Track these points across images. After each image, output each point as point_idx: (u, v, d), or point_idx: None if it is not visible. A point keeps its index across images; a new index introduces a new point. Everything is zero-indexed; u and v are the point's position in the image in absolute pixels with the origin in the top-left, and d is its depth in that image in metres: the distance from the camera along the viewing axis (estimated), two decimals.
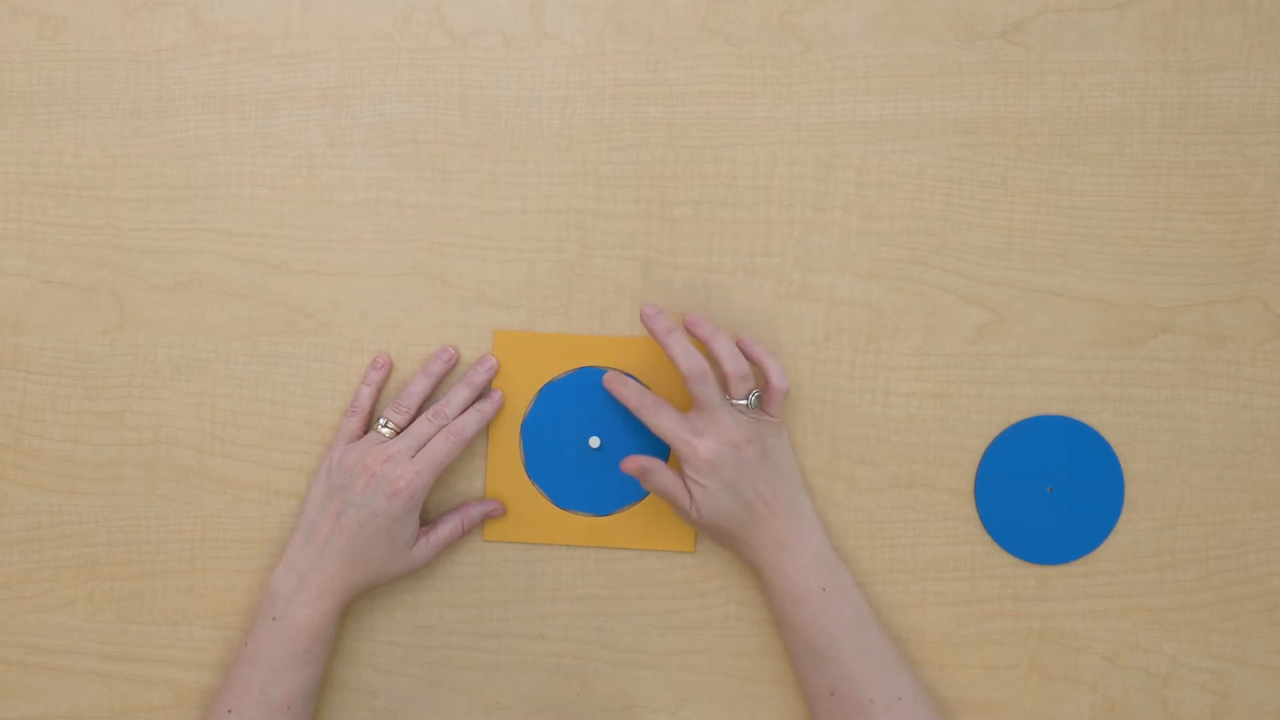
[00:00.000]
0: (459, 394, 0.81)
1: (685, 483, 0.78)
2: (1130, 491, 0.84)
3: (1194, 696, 0.84)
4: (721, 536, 0.79)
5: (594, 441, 0.83)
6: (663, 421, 0.78)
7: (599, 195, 0.83)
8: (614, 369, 0.82)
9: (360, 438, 0.81)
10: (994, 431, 0.84)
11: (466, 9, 0.83)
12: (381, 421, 0.80)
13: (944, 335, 0.84)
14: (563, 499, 0.84)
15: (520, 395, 0.83)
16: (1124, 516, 0.84)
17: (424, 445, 0.79)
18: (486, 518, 0.83)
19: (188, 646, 0.84)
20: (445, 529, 0.81)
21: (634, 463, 0.78)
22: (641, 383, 0.82)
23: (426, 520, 0.83)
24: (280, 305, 0.84)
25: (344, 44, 0.83)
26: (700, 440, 0.77)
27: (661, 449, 0.83)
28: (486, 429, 0.83)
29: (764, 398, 0.79)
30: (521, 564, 0.84)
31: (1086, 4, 0.83)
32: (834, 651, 0.76)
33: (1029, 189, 0.83)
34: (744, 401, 0.78)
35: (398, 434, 0.80)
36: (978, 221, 0.84)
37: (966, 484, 0.84)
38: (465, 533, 0.82)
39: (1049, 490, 0.84)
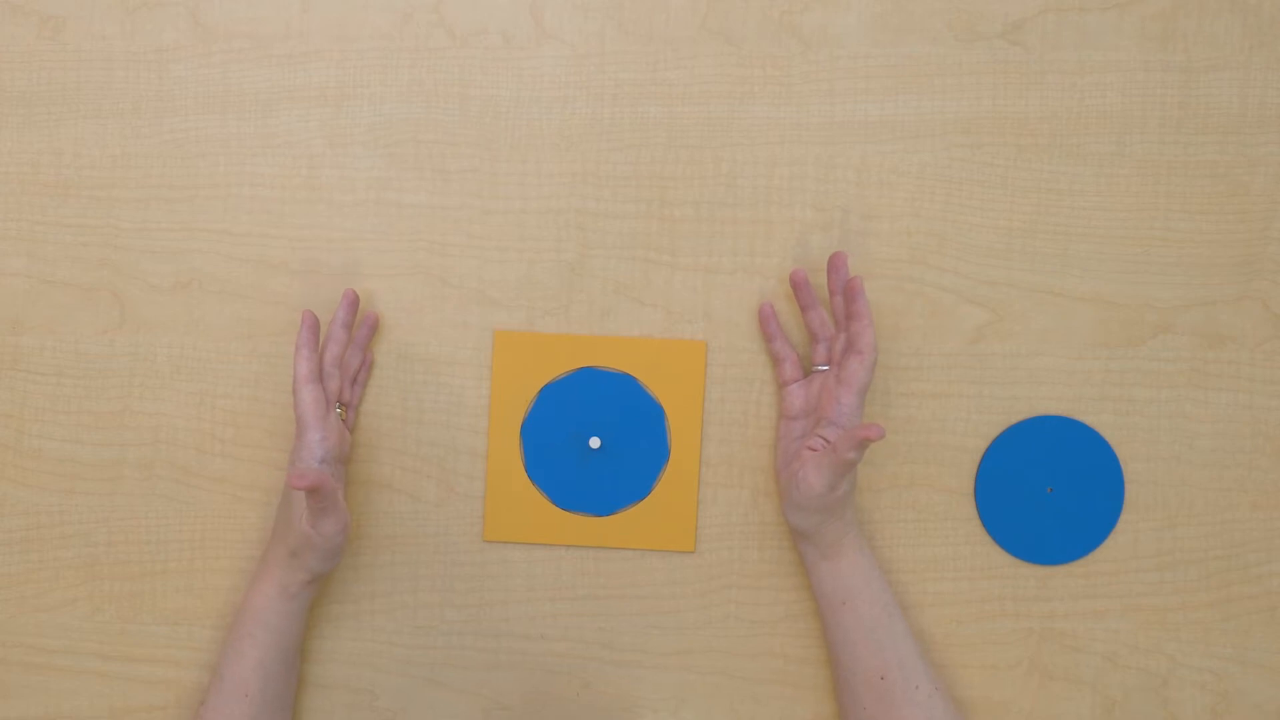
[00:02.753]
0: (332, 348, 0.80)
1: (827, 459, 0.76)
2: (1130, 491, 0.84)
3: (1194, 696, 0.84)
4: (824, 511, 0.78)
5: (594, 442, 0.83)
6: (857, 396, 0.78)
7: (599, 195, 0.83)
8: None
9: (318, 381, 0.78)
10: (994, 431, 0.84)
11: (466, 9, 0.83)
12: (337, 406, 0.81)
13: (944, 335, 0.84)
14: (563, 499, 0.84)
15: (520, 395, 0.83)
16: (1124, 516, 0.84)
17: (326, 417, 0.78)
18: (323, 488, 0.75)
19: (188, 646, 0.84)
20: (337, 494, 0.76)
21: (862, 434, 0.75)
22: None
23: (425, 517, 0.83)
24: (280, 305, 0.84)
25: (344, 44, 0.83)
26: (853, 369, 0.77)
27: (659, 451, 0.83)
28: (486, 427, 0.83)
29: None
30: (521, 564, 0.84)
31: (1086, 4, 0.83)
32: (890, 631, 0.77)
33: (1029, 189, 0.84)
34: (822, 367, 0.80)
35: (342, 407, 0.81)
36: (978, 221, 0.84)
37: (966, 484, 0.84)
38: (336, 487, 0.75)
39: (1049, 490, 0.84)
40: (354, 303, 0.81)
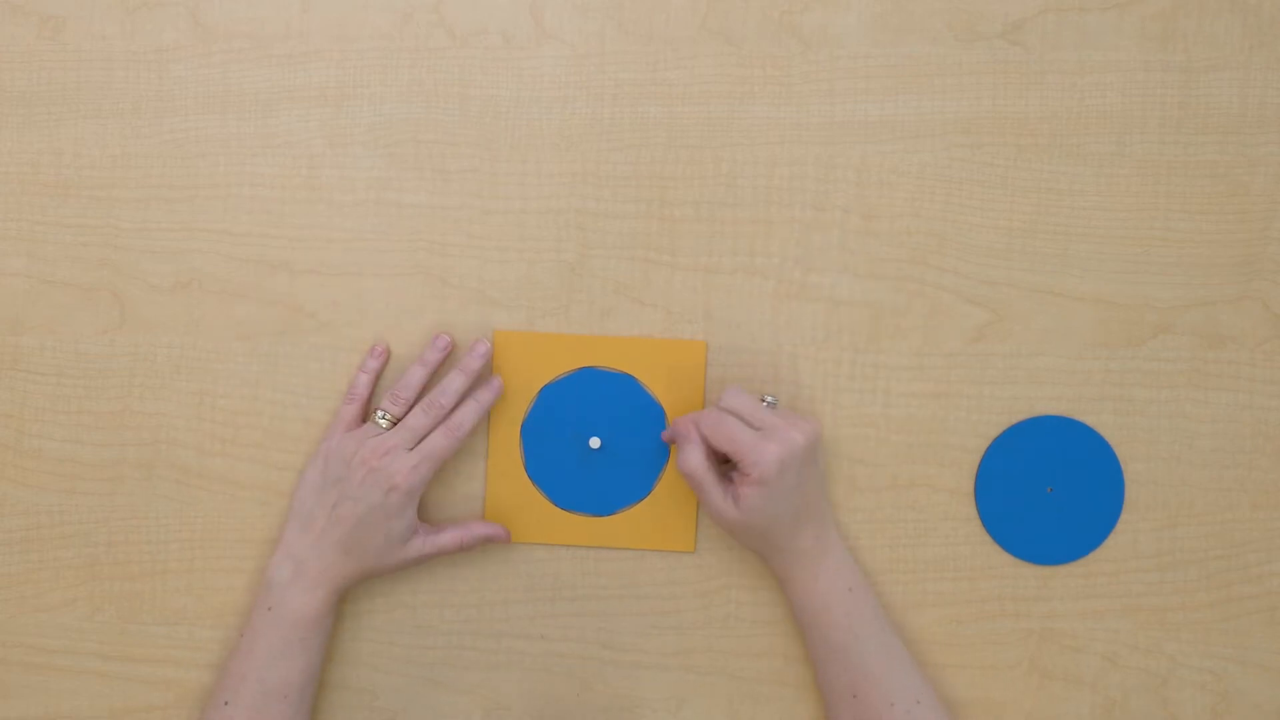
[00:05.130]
0: (454, 382, 0.81)
1: (741, 492, 0.76)
2: (1130, 491, 0.84)
3: (1194, 696, 0.84)
4: (751, 536, 0.79)
5: (594, 442, 0.83)
6: (733, 429, 0.76)
7: (599, 195, 0.83)
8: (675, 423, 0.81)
9: (357, 426, 0.81)
10: (994, 431, 0.84)
11: (466, 9, 0.83)
12: (379, 413, 0.80)
13: (944, 335, 0.84)
14: (563, 499, 0.84)
15: (520, 396, 0.83)
16: (1124, 516, 0.84)
17: (421, 439, 0.79)
18: (488, 542, 0.83)
19: (188, 646, 0.84)
20: (445, 538, 0.81)
21: (674, 432, 0.79)
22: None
23: (426, 517, 0.83)
24: (280, 305, 0.84)
25: (344, 44, 0.83)
26: (768, 445, 0.75)
27: (659, 451, 0.83)
28: (486, 427, 0.83)
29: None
30: (521, 564, 0.84)
31: (1086, 4, 0.83)
32: (860, 651, 0.77)
33: (1029, 189, 0.83)
34: (767, 400, 0.80)
35: (394, 425, 0.80)
36: (978, 221, 0.84)
37: (966, 484, 0.84)
38: (462, 550, 0.82)
39: (1049, 490, 0.84)
40: (446, 347, 0.83)
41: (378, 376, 0.83)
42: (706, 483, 0.77)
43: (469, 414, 0.80)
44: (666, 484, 0.84)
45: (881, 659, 0.77)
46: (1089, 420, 0.84)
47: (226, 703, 0.77)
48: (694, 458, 0.78)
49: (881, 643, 0.77)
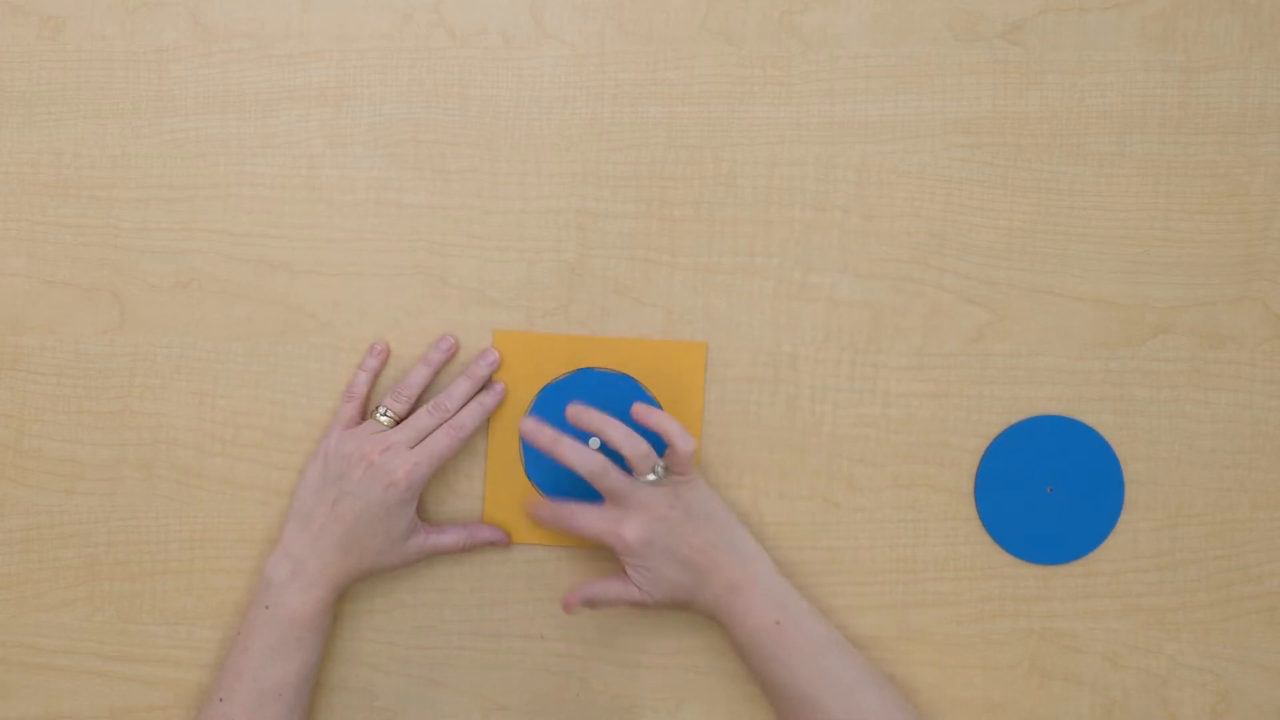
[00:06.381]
0: (460, 387, 0.81)
1: (629, 575, 0.77)
2: (1130, 491, 0.84)
3: (1194, 696, 0.84)
4: (679, 605, 0.78)
5: (593, 443, 0.83)
6: (584, 522, 0.77)
7: (599, 195, 0.84)
8: (531, 502, 0.80)
9: (357, 424, 0.81)
10: (994, 431, 0.84)
11: (466, 9, 0.83)
12: (381, 410, 0.80)
13: (944, 335, 0.84)
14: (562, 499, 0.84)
15: (520, 396, 0.83)
16: (1124, 516, 0.84)
17: (424, 437, 0.79)
18: (490, 546, 0.83)
19: (188, 646, 0.84)
20: (447, 539, 0.81)
21: (577, 598, 0.78)
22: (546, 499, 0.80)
23: (425, 517, 0.83)
24: (280, 305, 0.84)
25: (344, 44, 0.83)
26: (625, 526, 0.76)
27: (658, 452, 0.83)
28: (486, 427, 0.83)
29: (670, 462, 0.77)
30: (521, 564, 0.84)
31: (1086, 4, 0.83)
32: (794, 683, 0.76)
33: (1029, 189, 0.84)
34: (652, 476, 0.77)
35: (396, 423, 0.80)
36: (978, 221, 0.84)
37: (966, 484, 0.84)
38: (464, 551, 0.82)
39: (1049, 490, 0.84)
40: (452, 348, 0.83)
41: (377, 375, 0.83)
42: (611, 586, 0.78)
43: (471, 415, 0.80)
44: None
45: (817, 686, 0.75)
46: (1089, 420, 0.84)
47: (222, 700, 0.77)
48: (595, 589, 0.78)
49: (818, 670, 0.76)
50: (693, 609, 0.79)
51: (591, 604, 0.79)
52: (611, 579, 0.78)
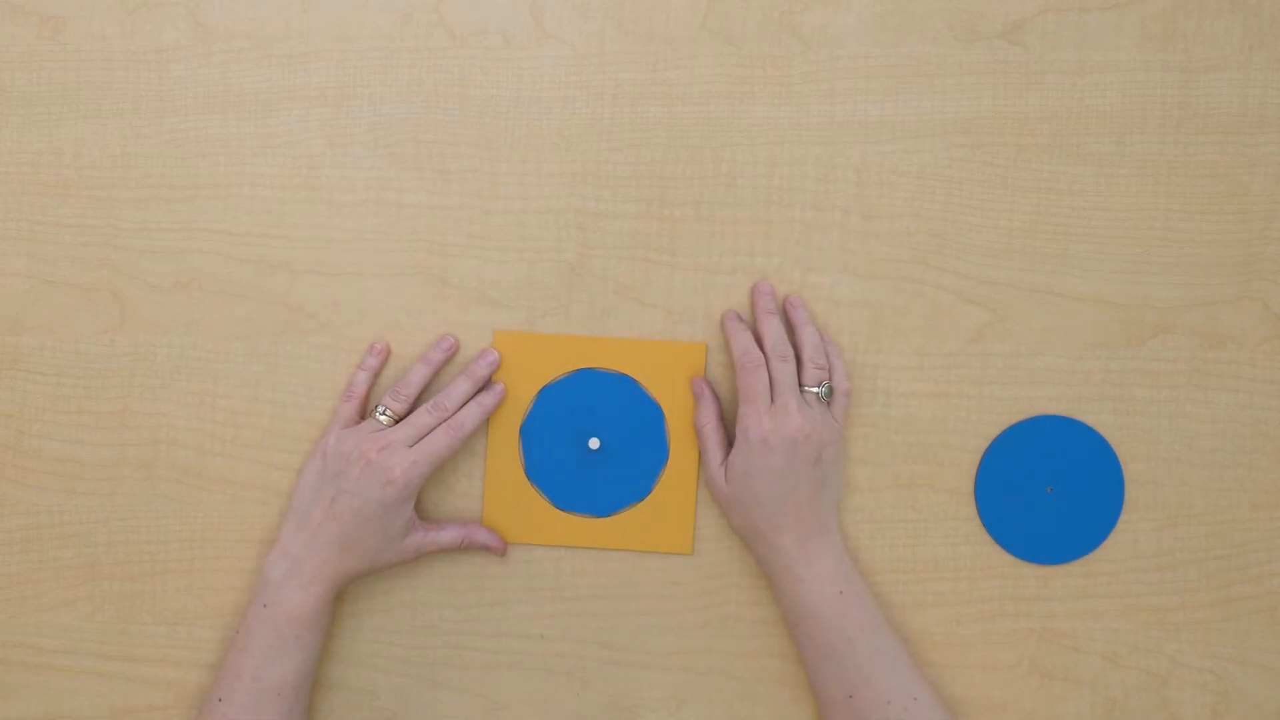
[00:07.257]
0: (460, 387, 0.81)
1: (729, 457, 0.79)
2: (1130, 491, 0.84)
3: (1194, 696, 0.84)
4: (735, 512, 0.80)
5: (593, 443, 0.83)
6: (755, 383, 0.79)
7: (599, 195, 0.84)
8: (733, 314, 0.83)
9: (356, 424, 0.81)
10: (994, 431, 0.84)
11: (466, 9, 0.83)
12: (380, 409, 0.80)
13: (944, 335, 0.84)
14: (562, 500, 0.84)
15: (520, 396, 0.83)
16: (1124, 516, 0.84)
17: (423, 437, 0.79)
18: (486, 548, 0.83)
19: (188, 646, 0.84)
20: (445, 536, 0.81)
21: (699, 387, 0.82)
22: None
23: (424, 516, 0.83)
24: (280, 305, 0.84)
25: (344, 44, 0.83)
26: (766, 417, 0.78)
27: (658, 453, 0.83)
28: (486, 427, 0.83)
29: (833, 390, 0.81)
30: (521, 564, 0.84)
31: (1086, 4, 0.83)
32: (851, 654, 0.77)
33: (1029, 189, 0.83)
34: (815, 389, 0.79)
35: (396, 423, 0.80)
36: (978, 221, 0.84)
37: (966, 484, 0.84)
38: (461, 550, 0.82)
39: (1049, 490, 0.84)
40: (451, 348, 0.83)
41: (376, 375, 0.83)
42: (710, 443, 0.81)
43: (471, 415, 0.80)
44: (665, 486, 0.84)
45: (874, 661, 0.77)
46: (1089, 420, 0.84)
47: (221, 699, 0.77)
48: (704, 414, 0.81)
49: (875, 645, 0.77)
50: (754, 543, 0.80)
51: (699, 402, 0.82)
52: (718, 447, 0.81)
